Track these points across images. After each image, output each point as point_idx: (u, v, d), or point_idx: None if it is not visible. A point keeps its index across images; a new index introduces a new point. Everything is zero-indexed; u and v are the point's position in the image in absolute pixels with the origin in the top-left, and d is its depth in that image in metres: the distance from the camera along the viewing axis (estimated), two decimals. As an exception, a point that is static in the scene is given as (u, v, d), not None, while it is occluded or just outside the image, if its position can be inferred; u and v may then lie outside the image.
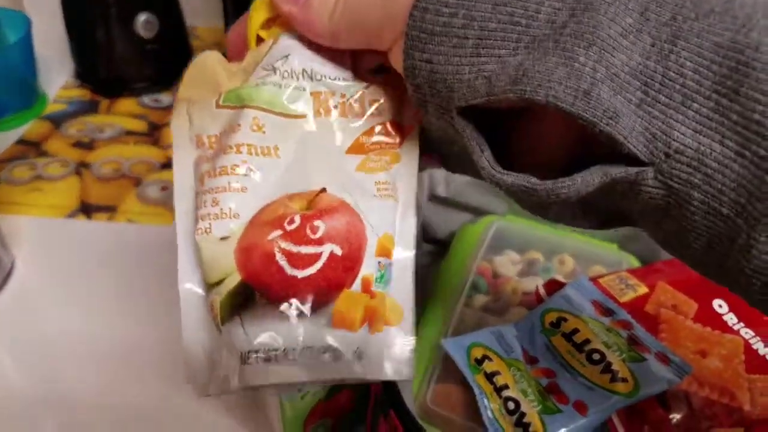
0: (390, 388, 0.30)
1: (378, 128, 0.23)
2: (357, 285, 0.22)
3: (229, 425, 0.38)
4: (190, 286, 0.22)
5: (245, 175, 0.22)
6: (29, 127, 0.61)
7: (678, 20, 0.16)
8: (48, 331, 0.43)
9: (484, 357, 0.34)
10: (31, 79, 0.63)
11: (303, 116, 0.22)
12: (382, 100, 0.23)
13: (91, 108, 0.64)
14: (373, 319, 0.22)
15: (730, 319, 0.37)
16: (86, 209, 0.52)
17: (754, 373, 0.34)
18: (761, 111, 0.15)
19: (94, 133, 0.61)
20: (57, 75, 0.68)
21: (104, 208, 0.52)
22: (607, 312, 0.37)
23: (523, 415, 0.30)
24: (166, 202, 0.53)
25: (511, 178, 0.18)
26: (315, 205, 0.22)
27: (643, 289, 0.39)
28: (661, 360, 0.33)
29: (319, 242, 0.22)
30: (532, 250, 0.47)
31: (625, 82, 0.16)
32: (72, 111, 0.64)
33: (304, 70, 0.22)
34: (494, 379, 0.32)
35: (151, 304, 0.45)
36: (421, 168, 0.46)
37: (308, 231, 0.22)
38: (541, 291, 0.40)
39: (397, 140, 0.24)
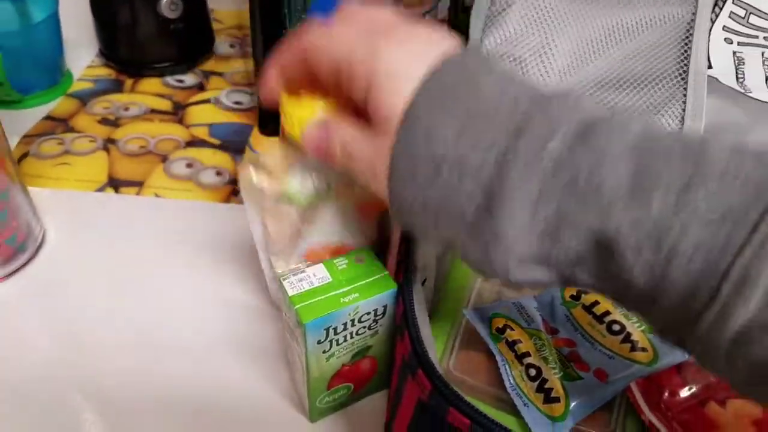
0: (417, 349, 0.30)
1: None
2: None
3: (255, 386, 0.38)
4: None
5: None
6: (56, 104, 0.61)
7: (561, 212, 0.20)
8: (77, 301, 0.43)
9: (506, 326, 0.34)
10: (57, 58, 0.63)
11: (330, 200, 0.33)
12: None
13: (115, 87, 0.64)
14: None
15: None
16: (114, 183, 0.53)
17: None
18: (625, 282, 0.19)
19: (119, 111, 0.61)
20: (83, 54, 0.68)
21: (132, 183, 0.53)
22: None
23: (545, 381, 0.30)
24: (191, 178, 0.53)
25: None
26: (338, 252, 0.35)
27: None
28: None
29: None
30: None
31: (531, 262, 0.21)
32: (97, 89, 0.64)
33: (328, 184, 0.33)
34: (516, 347, 0.32)
35: (178, 276, 0.45)
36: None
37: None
38: None
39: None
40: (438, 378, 0.29)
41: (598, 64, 0.44)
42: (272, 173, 0.32)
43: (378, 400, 0.38)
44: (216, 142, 0.58)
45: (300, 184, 0.32)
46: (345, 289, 0.32)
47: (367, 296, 0.32)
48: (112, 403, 0.38)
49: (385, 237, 0.37)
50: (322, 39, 0.26)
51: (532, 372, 0.31)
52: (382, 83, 0.23)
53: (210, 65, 0.67)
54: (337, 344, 0.32)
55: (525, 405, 0.30)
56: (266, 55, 0.41)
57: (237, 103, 0.62)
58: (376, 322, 0.33)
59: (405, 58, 0.24)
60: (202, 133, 0.58)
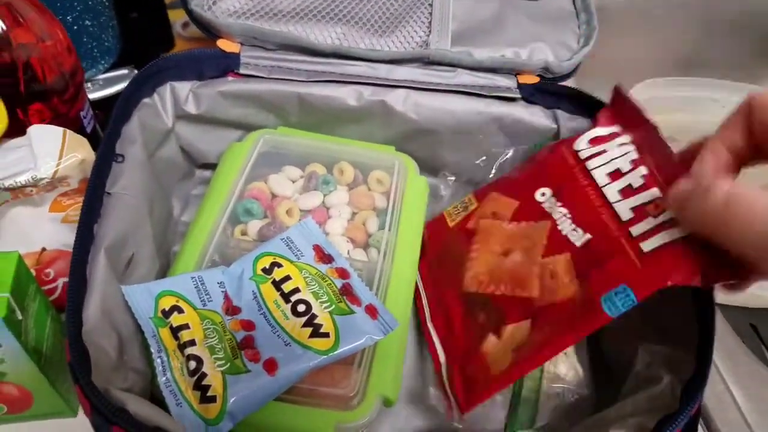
0: (73, 363, 0.24)
1: (70, 193, 0.32)
2: None
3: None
4: None
5: None
6: None
7: None
8: None
9: (174, 308, 0.28)
10: None
11: (5, 201, 0.31)
12: (69, 177, 0.32)
13: None
14: None
15: (549, 201, 0.33)
16: None
17: (548, 256, 0.31)
18: None
19: None
20: None
21: None
22: (327, 258, 0.31)
23: (204, 376, 0.25)
24: None
25: None
26: (42, 259, 0.33)
27: (473, 206, 0.36)
28: (370, 313, 0.28)
29: (54, 280, 0.34)
30: (312, 163, 0.41)
31: None
32: None
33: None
34: (179, 334, 0.26)
35: None
36: (160, 82, 0.37)
37: (44, 277, 0.33)
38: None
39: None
40: (94, 394, 0.23)
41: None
42: None
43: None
44: None
45: None
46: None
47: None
48: None
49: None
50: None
51: (192, 365, 0.25)
52: None
53: None
54: None
55: (178, 405, 0.24)
56: None
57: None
58: None
59: None
60: None
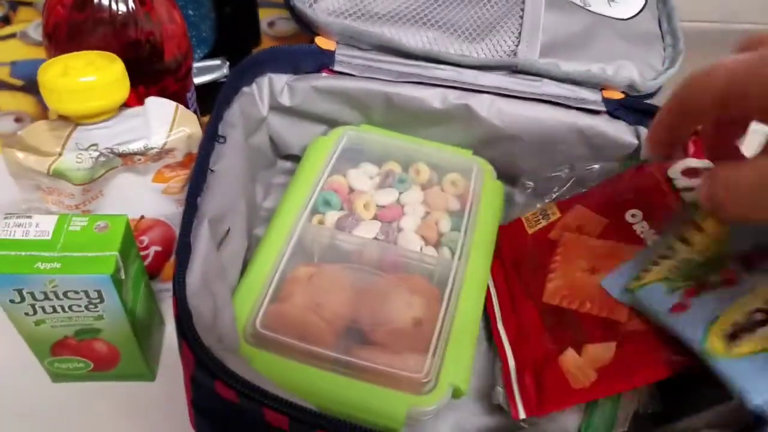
0: (181, 317, 0.26)
1: (174, 165, 0.34)
2: (171, 258, 0.37)
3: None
4: None
5: (87, 210, 0.33)
6: None
7: None
8: None
9: None
10: None
11: (115, 166, 0.32)
12: (176, 149, 0.33)
13: None
14: None
15: (640, 227, 0.33)
16: None
17: None
18: None
19: None
20: None
21: None
22: None
23: None
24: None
25: None
26: (139, 227, 0.35)
27: (555, 216, 0.36)
28: None
29: (147, 248, 0.36)
30: (390, 161, 0.43)
31: None
32: None
33: (111, 150, 0.31)
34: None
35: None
36: (259, 73, 0.40)
37: (139, 243, 0.34)
38: None
39: (188, 168, 0.34)
40: (202, 350, 0.24)
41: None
42: (39, 150, 0.30)
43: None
44: (18, 83, 0.49)
45: (76, 159, 0.30)
46: (50, 254, 0.27)
47: (69, 272, 0.27)
48: None
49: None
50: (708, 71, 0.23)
51: None
52: None
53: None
54: (45, 312, 0.29)
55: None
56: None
57: (47, 34, 0.53)
58: (95, 305, 0.28)
59: None
60: (1, 73, 0.50)
